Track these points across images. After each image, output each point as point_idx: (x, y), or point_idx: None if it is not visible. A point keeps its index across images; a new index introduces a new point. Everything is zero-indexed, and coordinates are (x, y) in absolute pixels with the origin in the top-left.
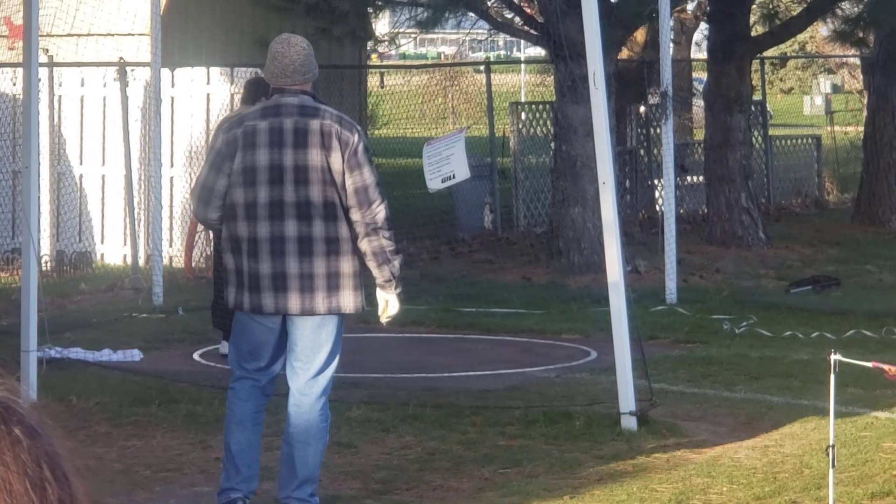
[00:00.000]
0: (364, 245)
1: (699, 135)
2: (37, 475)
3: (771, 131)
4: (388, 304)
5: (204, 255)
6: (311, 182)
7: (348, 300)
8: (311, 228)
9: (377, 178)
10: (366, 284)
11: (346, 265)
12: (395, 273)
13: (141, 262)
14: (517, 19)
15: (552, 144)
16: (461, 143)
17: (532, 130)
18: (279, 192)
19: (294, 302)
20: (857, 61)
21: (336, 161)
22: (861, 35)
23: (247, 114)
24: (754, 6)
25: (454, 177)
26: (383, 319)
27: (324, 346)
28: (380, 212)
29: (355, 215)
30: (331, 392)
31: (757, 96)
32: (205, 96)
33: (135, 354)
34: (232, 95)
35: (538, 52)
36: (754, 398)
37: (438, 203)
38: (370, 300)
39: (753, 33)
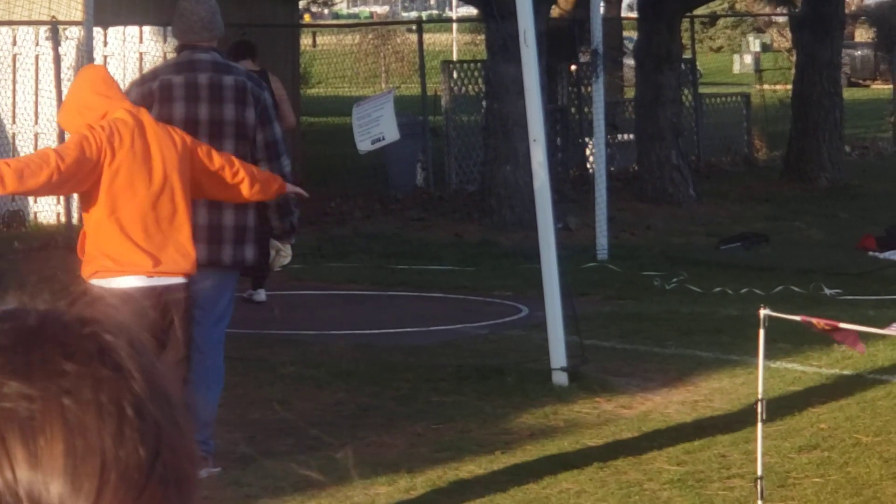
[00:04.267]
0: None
1: (630, 93)
2: (115, 419)
3: (701, 89)
4: (281, 252)
5: None
6: (225, 136)
7: (250, 252)
8: None
9: (282, 134)
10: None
11: (251, 218)
12: (294, 224)
13: (74, 220)
14: None
15: (484, 103)
16: (390, 105)
17: (464, 89)
18: None
19: (201, 253)
20: (786, 20)
21: (250, 116)
22: None
23: (159, 68)
24: None
25: (384, 138)
26: (275, 268)
27: (224, 295)
28: (287, 165)
29: (264, 168)
30: (263, 349)
31: (687, 55)
32: (137, 55)
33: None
34: (165, 54)
35: (470, 10)
36: (684, 354)
37: (371, 161)
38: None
39: None
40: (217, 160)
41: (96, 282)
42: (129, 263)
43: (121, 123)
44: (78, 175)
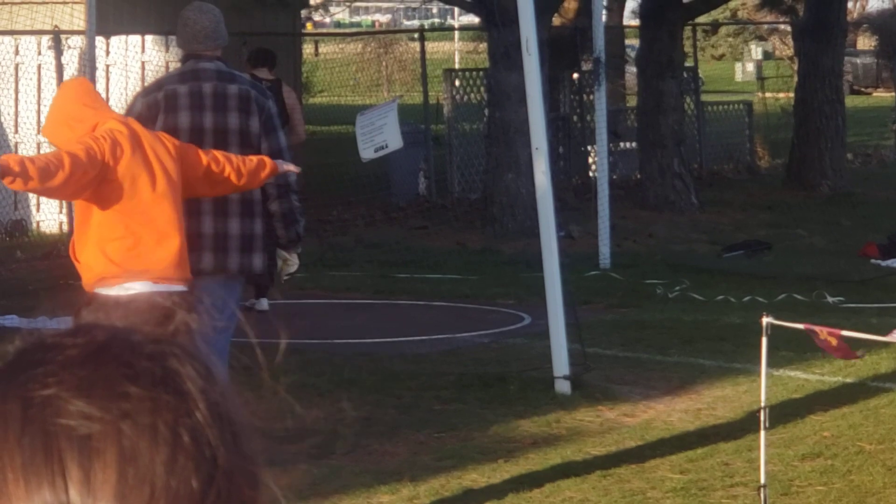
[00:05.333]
0: (275, 206)
1: (632, 101)
2: (170, 446)
3: (703, 97)
4: (288, 262)
5: None
6: (230, 145)
7: (258, 260)
8: None
9: (287, 143)
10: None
11: (259, 227)
12: (300, 233)
13: None
14: None
15: (486, 111)
16: (394, 113)
17: (466, 97)
18: None
19: (207, 261)
20: (788, 28)
21: (254, 124)
22: (790, 2)
23: (164, 78)
24: None
25: (387, 146)
26: (282, 277)
27: (229, 304)
28: (292, 175)
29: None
30: (265, 357)
31: (689, 62)
32: (140, 64)
33: (70, 322)
34: (167, 63)
35: (472, 19)
36: (687, 362)
37: (373, 170)
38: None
39: (685, 0)
40: (203, 160)
41: (102, 289)
42: (134, 270)
43: (118, 133)
44: (82, 181)
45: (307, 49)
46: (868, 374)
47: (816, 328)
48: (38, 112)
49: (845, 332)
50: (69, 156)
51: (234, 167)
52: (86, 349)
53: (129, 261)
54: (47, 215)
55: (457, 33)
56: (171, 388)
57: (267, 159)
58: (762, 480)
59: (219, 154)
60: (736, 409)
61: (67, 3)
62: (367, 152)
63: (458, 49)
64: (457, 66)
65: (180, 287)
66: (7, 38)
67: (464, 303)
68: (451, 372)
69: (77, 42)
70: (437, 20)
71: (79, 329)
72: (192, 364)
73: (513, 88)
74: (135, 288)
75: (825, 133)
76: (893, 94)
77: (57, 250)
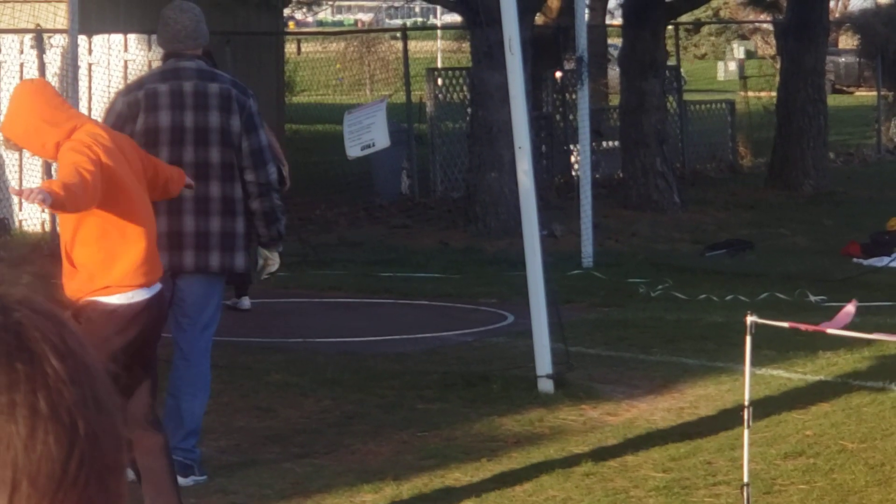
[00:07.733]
0: (256, 204)
1: (614, 100)
2: (29, 421)
3: (685, 96)
4: (270, 260)
5: None
6: (211, 143)
7: (239, 259)
8: (209, 188)
9: (267, 141)
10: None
11: (240, 225)
12: (281, 231)
13: (59, 228)
14: None
15: (468, 110)
16: (382, 113)
17: (449, 96)
18: (179, 152)
19: (189, 259)
20: (771, 27)
21: (235, 123)
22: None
23: (145, 77)
24: None
25: (374, 145)
26: (263, 276)
27: (211, 302)
28: (272, 173)
29: (249, 176)
30: (248, 357)
31: (671, 62)
32: (122, 63)
33: None
34: (150, 62)
35: (455, 18)
36: (670, 361)
37: (356, 168)
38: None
39: None
40: (155, 165)
41: (101, 298)
42: (139, 274)
43: (101, 138)
44: (96, 192)
45: (290, 48)
46: (850, 373)
47: (801, 326)
48: None
49: (830, 330)
50: (87, 174)
51: (168, 174)
52: None
53: (132, 267)
54: (29, 214)
55: (439, 32)
56: (26, 356)
57: (180, 172)
58: (745, 479)
59: (157, 160)
60: (719, 407)
61: (50, 1)
62: (353, 150)
63: (440, 48)
64: (439, 66)
65: (160, 286)
66: None
67: (447, 302)
68: (434, 371)
69: (60, 41)
70: (419, 19)
71: None
72: (45, 322)
73: (495, 87)
74: (140, 295)
75: (807, 132)
76: (875, 93)
77: (40, 249)
